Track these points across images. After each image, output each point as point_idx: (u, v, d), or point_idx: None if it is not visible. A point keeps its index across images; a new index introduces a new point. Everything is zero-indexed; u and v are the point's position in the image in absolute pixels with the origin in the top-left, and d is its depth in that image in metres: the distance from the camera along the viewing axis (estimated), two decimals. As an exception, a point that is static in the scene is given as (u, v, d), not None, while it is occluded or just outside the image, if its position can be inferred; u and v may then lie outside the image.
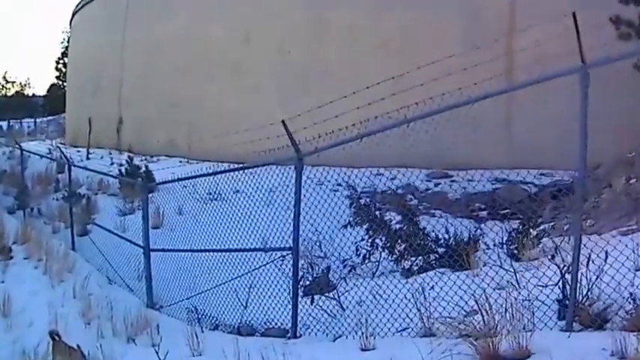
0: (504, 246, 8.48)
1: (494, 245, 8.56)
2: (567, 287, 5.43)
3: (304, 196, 8.57)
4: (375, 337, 6.02)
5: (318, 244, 9.64)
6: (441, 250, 8.54)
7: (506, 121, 13.93)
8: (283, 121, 6.83)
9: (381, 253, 9.15)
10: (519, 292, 6.20)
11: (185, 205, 10.97)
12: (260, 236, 9.79)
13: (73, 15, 29.66)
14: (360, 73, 14.69)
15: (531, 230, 8.12)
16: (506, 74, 13.38)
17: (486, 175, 13.09)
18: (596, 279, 5.31)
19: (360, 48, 15.98)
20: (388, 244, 9.12)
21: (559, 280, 5.52)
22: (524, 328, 5.09)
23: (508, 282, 6.57)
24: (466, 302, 6.39)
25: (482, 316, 5.06)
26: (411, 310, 6.58)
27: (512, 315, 5.25)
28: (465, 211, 11.85)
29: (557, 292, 5.75)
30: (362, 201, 9.73)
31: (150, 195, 10.20)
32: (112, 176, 13.39)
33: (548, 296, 5.78)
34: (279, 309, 8.03)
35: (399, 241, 8.99)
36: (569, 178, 12.40)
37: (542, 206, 11.14)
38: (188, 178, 9.10)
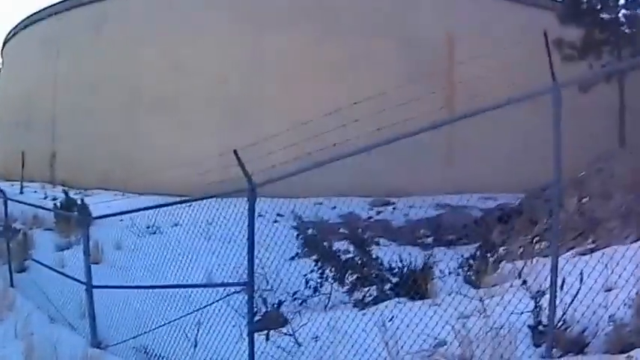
0: (460, 272, 8.21)
1: (449, 272, 8.29)
2: (540, 312, 5.16)
3: (243, 228, 8.16)
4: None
5: (263, 277, 9.17)
6: (394, 279, 8.18)
7: (447, 147, 13.87)
8: (235, 151, 6.38)
9: (332, 284, 8.72)
10: (485, 320, 5.90)
11: (124, 239, 10.37)
12: (204, 270, 9.30)
13: (4, 44, 28.47)
14: (298, 103, 14.51)
15: (488, 255, 7.85)
16: (447, 102, 13.42)
17: (428, 201, 12.94)
18: (571, 302, 5.05)
19: (299, 77, 15.74)
20: (338, 275, 8.72)
21: (536, 306, 5.21)
22: (501, 357, 4.77)
23: (474, 310, 6.22)
24: (428, 334, 6.02)
25: (460, 346, 4.67)
26: (373, 343, 6.20)
27: (488, 344, 4.94)
28: (410, 239, 11.61)
29: (526, 317, 5.48)
30: (309, 231, 9.29)
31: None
32: (49, 209, 12.82)
33: (517, 323, 5.48)
34: (231, 347, 7.49)
35: (350, 271, 8.61)
36: (514, 201, 12.42)
37: (489, 230, 11.06)
38: (132, 211, 8.53)
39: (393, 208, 13.43)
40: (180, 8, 17.05)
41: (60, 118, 19.25)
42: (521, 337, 5.18)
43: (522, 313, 5.33)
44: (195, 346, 7.86)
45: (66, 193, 13.50)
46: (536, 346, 5.03)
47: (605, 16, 11.80)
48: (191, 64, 16.52)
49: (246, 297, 8.67)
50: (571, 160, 11.68)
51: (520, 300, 5.96)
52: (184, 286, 8.30)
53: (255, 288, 7.12)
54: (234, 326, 8.32)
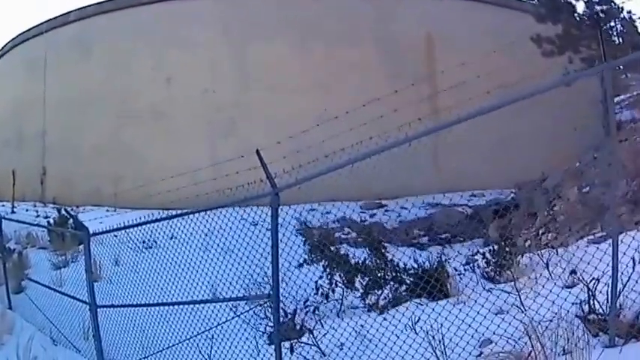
0: (474, 269, 8.18)
1: (465, 270, 8.27)
2: (593, 301, 5.14)
3: (240, 238, 7.98)
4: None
5: (269, 286, 8.97)
6: (409, 279, 8.10)
7: (433, 147, 13.93)
8: (257, 151, 6.21)
9: (343, 289, 8.60)
10: (525, 314, 5.87)
11: (121, 255, 10.05)
12: (207, 283, 9.06)
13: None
14: (286, 113, 14.43)
15: (507, 249, 7.81)
16: (431, 102, 13.51)
17: (418, 202, 12.96)
18: (623, 287, 5.02)
19: (285, 87, 15.66)
20: (348, 280, 8.61)
21: (589, 295, 5.18)
22: (564, 351, 4.72)
23: (509, 305, 6.17)
24: (465, 332, 5.94)
25: (509, 342, 4.59)
26: (404, 346, 6.10)
27: (541, 338, 4.89)
28: (405, 240, 11.58)
29: (569, 308, 5.44)
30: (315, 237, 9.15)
31: (79, 247, 9.26)
32: (44, 227, 12.61)
33: (562, 313, 5.44)
34: (250, 360, 7.30)
35: (360, 275, 8.51)
36: (503, 196, 12.55)
37: (484, 226, 11.11)
38: (136, 225, 8.23)
39: (385, 210, 13.40)
40: (168, 21, 16.79)
41: (50, 135, 18.86)
42: (573, 329, 5.15)
43: (574, 303, 5.28)
44: (210, 361, 7.67)
45: (59, 211, 13.17)
46: (594, 335, 4.98)
47: (581, 11, 12.10)
48: (179, 77, 16.28)
49: (259, 309, 8.63)
50: (560, 152, 12.00)
51: (550, 291, 5.97)
52: (196, 302, 8.05)
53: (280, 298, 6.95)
54: (246, 339, 8.16)
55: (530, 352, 4.88)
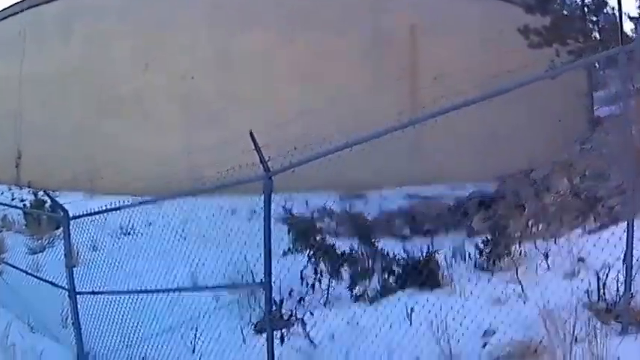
0: (467, 259, 8.02)
1: (455, 260, 8.10)
2: (603, 289, 5.00)
3: (217, 227, 7.75)
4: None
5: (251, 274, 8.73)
6: (398, 269, 7.90)
7: (415, 138, 13.77)
8: (251, 133, 5.92)
9: (329, 279, 8.36)
10: (527, 304, 5.72)
11: (98, 240, 9.70)
12: (189, 272, 8.76)
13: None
14: (266, 101, 14.16)
15: (500, 240, 7.64)
16: (412, 93, 13.38)
17: (398, 193, 12.81)
18: (634, 275, 4.86)
19: (267, 76, 15.38)
20: (334, 269, 8.38)
21: (599, 284, 5.03)
22: (575, 340, 4.55)
23: (508, 295, 6.00)
24: (461, 323, 5.76)
25: (517, 332, 4.41)
26: (397, 337, 5.91)
27: (548, 328, 4.72)
28: (387, 231, 11.36)
29: (572, 297, 5.29)
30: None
31: (56, 231, 8.90)
32: (20, 208, 12.44)
33: (564, 303, 5.29)
34: (234, 350, 7.02)
35: (348, 264, 8.29)
36: (485, 188, 12.42)
37: (468, 218, 10.99)
38: (121, 208, 7.89)
39: (365, 201, 13.18)
40: (152, 7, 16.33)
41: (25, 118, 18.30)
42: (583, 318, 4.99)
43: (591, 290, 5.12)
44: (194, 351, 7.39)
45: (35, 194, 12.73)
46: (604, 323, 4.82)
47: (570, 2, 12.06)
48: (160, 63, 15.86)
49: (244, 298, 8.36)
50: (543, 144, 11.94)
51: (551, 280, 5.84)
52: (187, 290, 7.82)
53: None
54: (230, 329, 7.89)
55: (541, 340, 4.69)
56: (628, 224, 4.52)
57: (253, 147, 5.93)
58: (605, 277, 4.94)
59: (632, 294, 4.73)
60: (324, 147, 5.98)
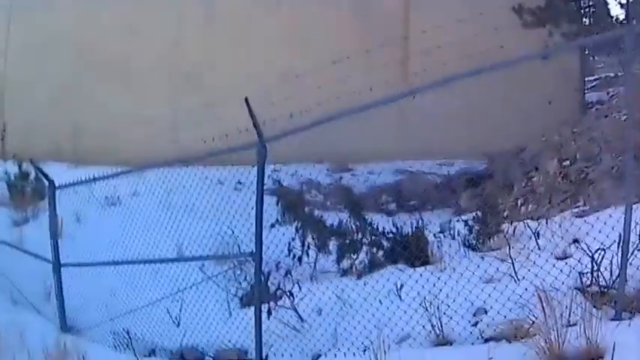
0: (455, 237, 8.01)
1: (444, 237, 8.08)
2: (597, 273, 5.00)
3: (202, 197, 7.65)
4: (375, 352, 4.89)
5: (237, 246, 8.67)
6: (387, 244, 7.87)
7: (400, 113, 13.67)
8: (246, 99, 5.82)
9: (317, 252, 8.33)
10: (518, 284, 5.71)
11: (83, 211, 9.55)
12: (175, 243, 8.68)
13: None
14: (252, 68, 13.96)
15: (490, 218, 7.63)
16: (402, 65, 13.26)
17: (386, 167, 12.77)
18: (626, 259, 4.83)
19: (253, 42, 15.14)
20: (323, 242, 8.35)
21: (593, 266, 5.02)
22: (569, 323, 4.56)
23: (504, 273, 5.99)
24: (453, 300, 5.76)
25: (544, 312, 4.38)
26: (389, 312, 5.89)
27: (542, 309, 4.71)
28: (373, 206, 11.35)
29: (565, 279, 5.28)
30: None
31: (41, 203, 8.74)
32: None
33: (556, 285, 5.27)
34: (221, 323, 6.99)
35: (336, 237, 8.25)
36: (472, 166, 12.44)
37: (455, 195, 10.99)
38: (109, 177, 7.78)
39: (353, 174, 13.12)
40: None
41: (10, 87, 17.83)
42: (576, 300, 4.98)
43: (584, 273, 5.10)
44: (179, 324, 7.35)
45: (19, 166, 12.49)
46: (596, 308, 4.82)
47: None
48: (145, 28, 15.50)
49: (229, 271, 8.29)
50: (534, 124, 11.92)
51: (546, 261, 5.81)
52: (175, 260, 7.77)
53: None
54: (217, 301, 7.84)
55: (534, 321, 4.69)
56: (626, 207, 4.48)
57: (248, 113, 5.83)
58: (600, 260, 4.92)
59: (626, 279, 4.74)
60: (312, 115, 5.94)
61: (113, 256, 7.76)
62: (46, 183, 8.09)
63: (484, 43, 6.83)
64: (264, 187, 10.00)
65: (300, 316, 6.73)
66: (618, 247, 4.82)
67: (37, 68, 16.42)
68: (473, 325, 5.28)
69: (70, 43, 16.07)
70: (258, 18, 15.16)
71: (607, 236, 5.16)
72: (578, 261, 5.38)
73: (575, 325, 4.50)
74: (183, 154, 7.65)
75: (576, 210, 7.56)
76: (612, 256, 4.90)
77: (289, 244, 8.25)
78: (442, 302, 5.60)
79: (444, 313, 5.37)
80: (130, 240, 7.75)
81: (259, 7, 15.24)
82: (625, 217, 4.49)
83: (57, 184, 7.98)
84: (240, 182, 11.44)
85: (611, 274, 4.91)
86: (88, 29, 15.95)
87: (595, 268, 4.95)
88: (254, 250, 6.01)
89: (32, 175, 11.75)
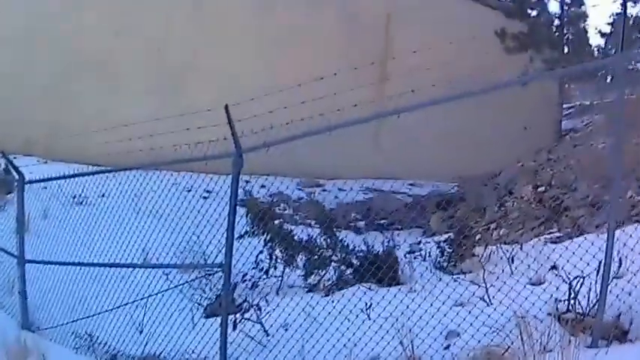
0: (427, 258, 7.87)
1: (414, 257, 7.94)
2: (574, 299, 4.88)
3: (172, 204, 7.45)
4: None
5: (203, 256, 8.46)
6: (357, 262, 7.70)
7: (376, 132, 13.61)
8: (226, 107, 5.65)
9: (284, 266, 8.12)
10: (493, 310, 5.56)
11: (50, 208, 9.29)
12: (141, 249, 8.40)
13: None
14: (235, 74, 13.80)
15: (462, 241, 7.50)
16: (380, 86, 13.18)
17: (357, 185, 12.64)
18: (606, 287, 4.73)
19: (237, 48, 14.99)
20: (289, 257, 8.15)
21: (570, 292, 4.90)
22: (544, 349, 4.43)
23: (478, 297, 5.84)
24: (424, 322, 5.58)
25: (522, 338, 4.24)
26: (356, 330, 5.70)
27: (517, 335, 4.60)
28: (342, 222, 11.17)
29: (536, 304, 5.16)
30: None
31: (8, 196, 8.45)
32: None
33: (532, 310, 5.15)
34: (184, 335, 6.73)
35: (305, 252, 8.05)
36: (443, 188, 12.38)
37: (424, 216, 10.90)
38: (80, 175, 7.54)
39: (323, 190, 12.96)
40: None
41: None
42: (551, 327, 4.86)
43: (561, 300, 4.98)
44: (142, 332, 7.08)
45: None
46: (572, 335, 4.69)
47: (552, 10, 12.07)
48: (129, 29, 15.34)
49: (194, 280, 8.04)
50: (508, 149, 11.93)
51: (524, 286, 5.68)
52: (142, 267, 7.55)
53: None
54: (181, 310, 7.60)
55: (509, 347, 4.55)
56: (608, 233, 4.39)
57: (227, 121, 5.66)
58: (579, 286, 4.81)
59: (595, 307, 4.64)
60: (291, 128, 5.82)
61: (78, 257, 7.53)
62: (16, 176, 7.81)
63: (466, 66, 6.76)
64: (251, 195, 9.83)
65: (266, 331, 6.51)
66: (597, 274, 4.74)
67: (17, 64, 16.08)
68: (445, 349, 5.12)
69: (52, 41, 15.79)
70: (244, 24, 15.05)
71: (587, 264, 5.06)
72: (557, 288, 5.26)
73: (551, 351, 4.38)
74: (156, 159, 7.45)
75: (550, 236, 7.49)
76: (590, 283, 4.79)
77: (257, 256, 8.03)
78: (415, 324, 5.43)
79: (417, 336, 5.19)
80: (97, 242, 7.66)
81: (246, 13, 15.14)
82: (607, 243, 4.39)
83: (26, 179, 7.72)
84: (208, 191, 11.23)
85: (588, 301, 4.80)
86: (71, 28, 15.75)
87: (572, 295, 4.81)
88: (223, 261, 5.80)
89: (1, 167, 11.32)
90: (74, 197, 9.94)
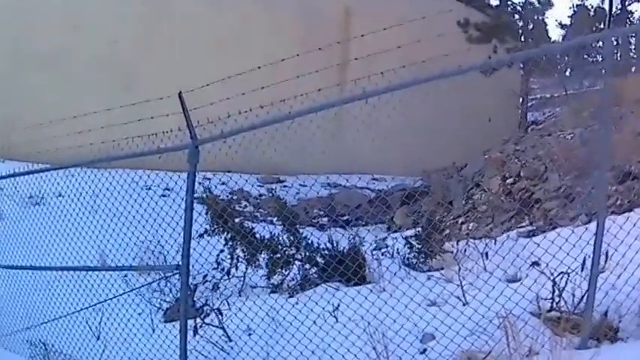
0: (396, 254, 7.53)
1: (382, 254, 7.60)
2: (559, 297, 4.59)
3: (129, 203, 7.02)
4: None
5: (163, 257, 8.04)
6: (321, 260, 7.33)
7: (335, 127, 13.23)
8: (180, 94, 5.22)
9: (246, 266, 7.71)
10: (466, 308, 5.24)
11: (4, 208, 8.76)
12: (98, 251, 7.94)
13: None
14: (189, 70, 13.34)
15: (432, 235, 7.16)
16: (340, 77, 12.82)
17: (318, 180, 12.28)
18: (595, 283, 4.45)
19: (192, 44, 14.54)
20: (253, 256, 7.73)
21: (553, 291, 4.60)
22: (529, 351, 4.13)
23: (451, 295, 5.51)
24: (397, 324, 5.24)
25: (507, 340, 3.92)
26: (327, 335, 5.33)
27: (498, 335, 4.30)
28: (304, 219, 10.80)
29: (517, 303, 4.86)
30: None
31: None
32: None
33: (513, 309, 4.84)
34: (142, 341, 6.30)
35: (267, 251, 7.64)
36: (406, 182, 12.09)
37: (389, 211, 10.59)
38: (36, 172, 7.12)
39: (284, 186, 12.55)
40: None
41: None
42: (535, 327, 4.56)
43: (544, 298, 4.68)
44: (98, 338, 6.63)
45: None
46: (558, 335, 4.40)
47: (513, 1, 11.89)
48: (85, 23, 14.85)
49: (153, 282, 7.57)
50: (472, 141, 11.70)
51: (492, 283, 5.40)
52: (98, 269, 7.14)
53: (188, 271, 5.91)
54: (140, 314, 7.17)
55: (491, 351, 4.23)
56: (598, 225, 4.09)
57: (181, 110, 5.24)
58: (565, 284, 4.52)
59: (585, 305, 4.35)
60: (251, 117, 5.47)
61: (32, 260, 7.17)
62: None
63: (427, 54, 6.42)
64: (211, 193, 9.36)
65: (228, 336, 6.11)
66: (582, 270, 4.46)
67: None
68: (421, 353, 4.78)
69: (5, 34, 15.09)
70: (200, 19, 14.64)
71: (575, 258, 4.75)
72: (543, 286, 4.94)
73: (538, 354, 4.08)
74: (113, 155, 7.02)
75: (522, 230, 7.24)
76: (575, 280, 4.51)
77: (218, 255, 7.60)
78: (388, 328, 5.07)
79: (388, 339, 4.83)
80: (52, 244, 7.15)
81: (200, 8, 14.71)
82: (596, 238, 4.10)
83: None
84: (168, 188, 10.82)
85: (573, 299, 4.51)
86: (25, 21, 15.21)
87: (557, 292, 4.52)
88: (180, 263, 5.36)
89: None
90: (30, 197, 9.60)
